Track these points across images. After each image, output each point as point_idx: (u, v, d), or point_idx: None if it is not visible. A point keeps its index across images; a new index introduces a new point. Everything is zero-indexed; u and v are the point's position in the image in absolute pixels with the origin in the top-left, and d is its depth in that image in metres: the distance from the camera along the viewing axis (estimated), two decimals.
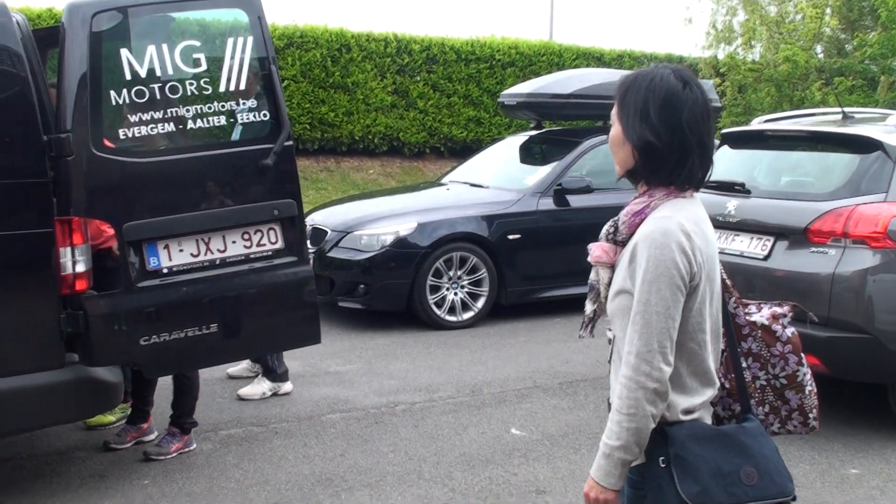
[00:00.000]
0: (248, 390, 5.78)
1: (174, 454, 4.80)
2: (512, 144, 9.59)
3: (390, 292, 7.57)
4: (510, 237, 7.86)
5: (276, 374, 5.84)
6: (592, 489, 2.16)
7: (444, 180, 9.44)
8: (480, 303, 7.77)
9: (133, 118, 4.28)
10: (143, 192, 4.32)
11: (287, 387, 5.88)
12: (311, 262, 4.94)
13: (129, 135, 4.27)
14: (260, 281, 4.51)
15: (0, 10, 4.05)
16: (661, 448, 2.13)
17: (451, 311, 7.68)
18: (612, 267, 2.24)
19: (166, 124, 4.37)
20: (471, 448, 4.97)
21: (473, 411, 5.58)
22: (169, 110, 4.36)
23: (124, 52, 4.24)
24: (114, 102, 4.23)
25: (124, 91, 4.24)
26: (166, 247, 4.33)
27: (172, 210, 4.35)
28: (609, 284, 2.24)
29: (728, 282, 2.31)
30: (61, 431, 5.00)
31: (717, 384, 2.23)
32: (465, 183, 8.89)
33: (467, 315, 7.72)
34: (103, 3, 4.24)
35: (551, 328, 7.61)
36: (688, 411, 2.16)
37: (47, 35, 4.48)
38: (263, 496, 4.36)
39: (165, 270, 4.32)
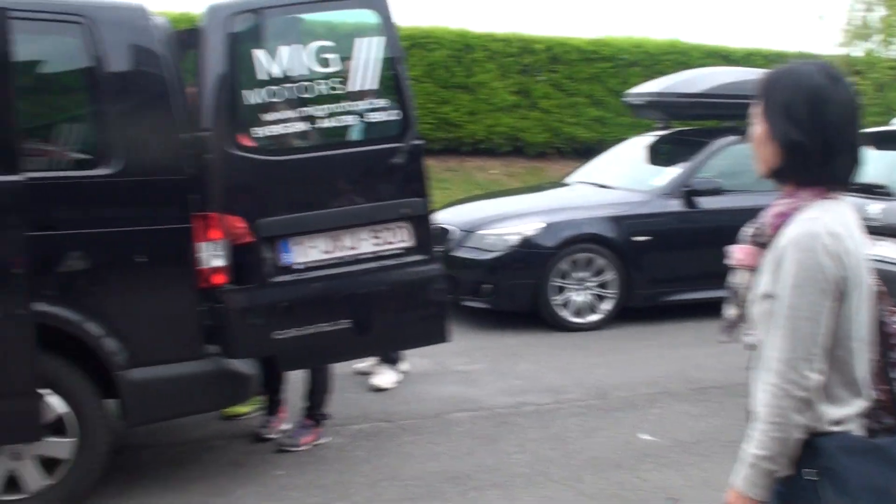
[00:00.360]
0: (380, 381, 5.91)
1: (307, 446, 4.89)
2: (638, 144, 9.43)
3: (515, 293, 7.54)
4: (638, 239, 7.71)
5: (395, 361, 6.01)
6: (736, 499, 2.08)
7: (568, 180, 9.35)
8: (607, 305, 7.64)
9: (267, 117, 4.39)
10: (277, 189, 4.42)
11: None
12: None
13: (263, 133, 4.38)
14: (390, 278, 4.55)
15: (140, 14, 4.21)
16: (810, 459, 2.03)
17: (577, 312, 7.59)
18: (755, 270, 2.15)
19: (299, 123, 4.47)
20: (599, 451, 4.90)
21: (601, 414, 5.50)
22: (301, 109, 4.46)
23: (259, 53, 4.35)
24: (249, 102, 4.34)
25: (259, 91, 4.35)
26: (299, 243, 4.43)
27: (305, 207, 4.44)
28: (752, 288, 2.16)
29: (879, 288, 2.19)
30: (199, 421, 5.15)
31: (868, 394, 2.11)
32: (591, 183, 8.78)
33: (593, 317, 7.61)
34: (239, 5, 4.37)
35: (680, 332, 7.42)
36: (837, 422, 2.05)
37: (185, 37, 4.64)
38: (392, 491, 4.40)
39: (298, 266, 4.41)
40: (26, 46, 3.93)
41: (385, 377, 5.93)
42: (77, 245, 4.01)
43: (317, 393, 5.00)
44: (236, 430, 5.18)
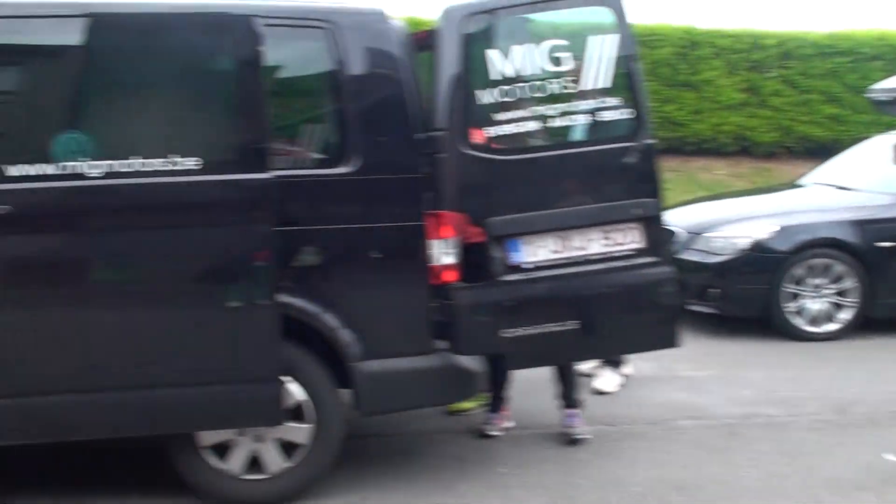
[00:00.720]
0: (602, 384, 5.84)
1: (587, 433, 4.98)
2: (884, 143, 8.79)
3: (745, 298, 7.24)
4: (883, 245, 7.19)
5: (618, 364, 5.92)
6: None
7: (802, 181, 8.88)
8: (845, 314, 7.18)
9: (499, 117, 4.42)
10: (508, 188, 4.43)
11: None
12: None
13: (496, 133, 4.41)
14: (620, 280, 4.47)
15: (378, 17, 4.33)
16: None
17: (812, 321, 7.18)
18: None
19: (530, 122, 4.47)
20: (839, 471, 4.60)
21: (840, 431, 5.17)
22: (533, 109, 4.46)
23: (492, 53, 4.39)
24: (482, 101, 4.38)
25: (492, 90, 4.39)
26: (528, 242, 4.43)
27: (534, 207, 4.43)
28: None
29: None
30: (424, 414, 5.26)
31: None
32: (829, 185, 8.29)
33: (830, 327, 7.18)
34: (473, 7, 4.42)
35: None
36: None
37: (420, 39, 4.74)
38: (618, 497, 4.33)
39: (526, 266, 4.42)
40: (274, 51, 4.12)
41: (608, 380, 5.86)
42: (317, 240, 4.18)
43: (568, 384, 5.03)
44: (460, 426, 5.25)
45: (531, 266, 4.41)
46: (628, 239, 4.51)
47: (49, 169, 3.86)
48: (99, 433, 4.11)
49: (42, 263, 3.97)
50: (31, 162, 3.86)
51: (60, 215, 3.96)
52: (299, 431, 4.24)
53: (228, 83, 4.15)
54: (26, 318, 3.94)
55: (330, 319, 4.19)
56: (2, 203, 3.81)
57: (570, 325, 4.40)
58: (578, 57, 4.47)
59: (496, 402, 5.16)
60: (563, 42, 4.49)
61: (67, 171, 3.87)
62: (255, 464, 4.26)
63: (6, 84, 4.21)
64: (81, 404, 3.96)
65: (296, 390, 4.20)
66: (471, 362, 4.38)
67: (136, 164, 3.91)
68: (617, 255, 4.49)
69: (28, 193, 3.86)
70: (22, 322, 3.93)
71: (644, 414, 5.46)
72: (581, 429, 5.01)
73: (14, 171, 3.84)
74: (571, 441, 4.95)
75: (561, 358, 4.81)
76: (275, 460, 4.25)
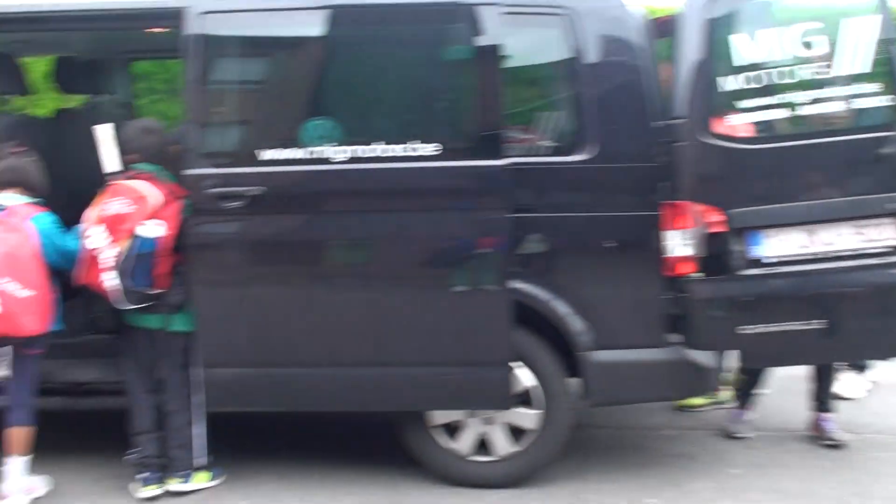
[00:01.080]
0: (846, 389, 5.51)
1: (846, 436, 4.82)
2: None
3: None
4: None
5: (863, 368, 5.59)
6: None
7: None
8: None
9: (743, 104, 4.22)
10: (750, 179, 4.24)
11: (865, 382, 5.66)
12: None
13: (738, 121, 4.23)
14: (871, 279, 4.17)
15: (616, 4, 4.26)
16: None
17: None
18: None
19: (776, 110, 4.24)
20: None
21: None
22: (779, 96, 4.23)
23: (737, 38, 4.20)
24: (724, 89, 4.21)
25: (735, 77, 4.20)
26: (771, 236, 4.23)
27: (778, 199, 4.21)
28: None
29: None
30: (652, 408, 5.18)
31: None
32: None
33: None
34: None
35: None
36: None
37: (659, 25, 4.62)
38: None
39: (768, 260, 4.21)
40: (511, 39, 4.13)
41: (851, 385, 5.51)
42: (550, 227, 4.18)
43: (825, 386, 4.86)
44: (690, 422, 5.13)
45: (773, 260, 4.20)
46: (884, 235, 4.20)
47: (298, 153, 4.09)
48: (339, 406, 4.33)
49: (288, 242, 4.21)
50: (282, 147, 4.09)
51: (307, 197, 4.17)
52: (528, 417, 4.26)
53: (465, 71, 4.22)
54: (274, 293, 4.20)
55: (561, 307, 4.18)
56: (257, 185, 4.06)
57: (815, 324, 4.16)
58: (832, 41, 4.21)
59: (744, 400, 4.97)
60: (815, 25, 4.24)
61: (315, 156, 4.07)
62: (483, 446, 4.33)
63: (258, 74, 4.49)
64: (325, 377, 4.18)
65: (526, 376, 4.22)
66: (705, 357, 4.24)
67: (378, 149, 4.05)
68: (870, 252, 4.20)
69: (279, 176, 4.10)
70: (270, 297, 4.19)
71: (892, 424, 5.12)
72: (838, 433, 4.79)
73: (267, 155, 4.09)
74: (827, 445, 4.76)
75: (802, 359, 4.56)
76: (503, 444, 4.31)
